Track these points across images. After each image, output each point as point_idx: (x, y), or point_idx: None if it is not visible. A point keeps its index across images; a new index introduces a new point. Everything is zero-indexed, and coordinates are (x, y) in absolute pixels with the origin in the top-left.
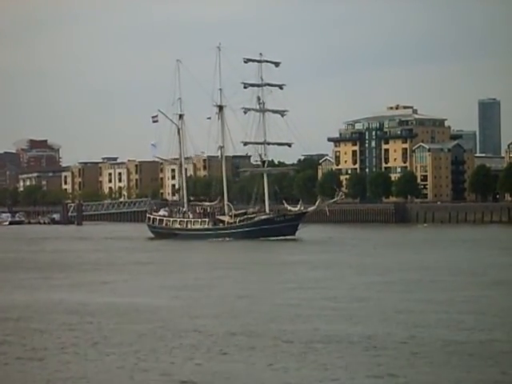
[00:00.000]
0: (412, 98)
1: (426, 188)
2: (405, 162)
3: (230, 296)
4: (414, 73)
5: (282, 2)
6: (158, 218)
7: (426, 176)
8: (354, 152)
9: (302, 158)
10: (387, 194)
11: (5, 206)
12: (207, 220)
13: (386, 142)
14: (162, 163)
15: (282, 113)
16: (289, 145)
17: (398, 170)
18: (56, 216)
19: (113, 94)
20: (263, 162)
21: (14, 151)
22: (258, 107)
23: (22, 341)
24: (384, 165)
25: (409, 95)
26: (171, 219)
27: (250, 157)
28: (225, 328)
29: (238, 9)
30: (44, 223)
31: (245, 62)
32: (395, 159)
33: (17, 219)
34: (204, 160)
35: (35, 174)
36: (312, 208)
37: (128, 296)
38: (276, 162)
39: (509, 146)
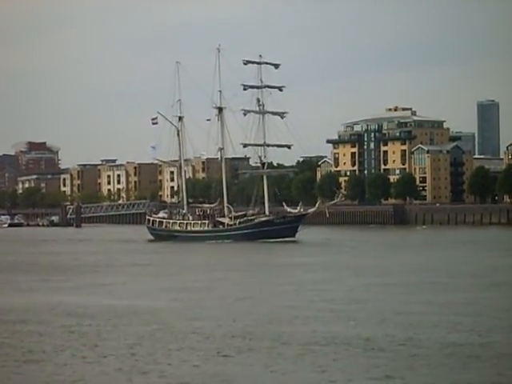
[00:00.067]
0: (411, 99)
1: (425, 190)
2: (404, 164)
3: (228, 298)
4: (413, 75)
5: (281, 5)
6: (157, 220)
7: (425, 178)
8: (352, 154)
9: (301, 159)
10: (386, 195)
11: (4, 208)
12: (207, 222)
13: (385, 144)
14: (160, 165)
15: (281, 115)
16: (288, 147)
17: (397, 171)
18: (55, 218)
19: (112, 95)
20: (263, 164)
21: (12, 153)
22: (257, 109)
23: (20, 343)
24: (383, 166)
25: (407, 97)
26: (171, 221)
27: (248, 159)
28: (223, 330)
29: (238, 11)
30: (43, 225)
31: (244, 64)
32: (394, 161)
33: (16, 221)
34: (203, 162)
35: (34, 177)
36: (312, 210)
37: (126, 298)
38: (275, 164)
39: (507, 147)
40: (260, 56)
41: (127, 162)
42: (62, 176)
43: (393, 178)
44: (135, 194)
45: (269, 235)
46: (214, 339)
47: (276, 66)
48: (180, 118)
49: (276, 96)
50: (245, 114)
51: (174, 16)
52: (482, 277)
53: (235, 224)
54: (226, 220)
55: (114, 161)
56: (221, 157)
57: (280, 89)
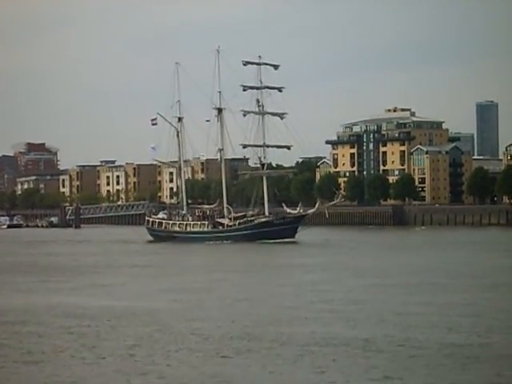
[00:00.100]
0: (410, 100)
1: (424, 190)
2: (403, 165)
3: (228, 299)
4: (412, 75)
5: (281, 5)
6: (157, 220)
7: (424, 178)
8: (351, 155)
9: (300, 160)
10: (385, 196)
11: (3, 209)
12: (206, 223)
13: (384, 145)
14: (159, 166)
15: (281, 115)
16: (288, 147)
17: (396, 172)
18: (54, 219)
19: (111, 96)
20: (262, 165)
21: (11, 154)
22: (257, 110)
23: (19, 344)
24: (382, 167)
25: (407, 98)
26: (170, 222)
27: (247, 159)
28: (222, 331)
29: (237, 11)
30: (42, 226)
31: (244, 65)
32: (393, 162)
33: (15, 223)
34: (202, 163)
35: (33, 178)
36: (312, 210)
37: (126, 299)
38: (274, 165)
39: (506, 148)
40: (259, 57)
41: (126, 163)
42: (61, 177)
43: (392, 179)
44: (134, 194)
45: (268, 236)
46: (213, 340)
47: (275, 66)
48: (179, 119)
49: (275, 97)
50: (244, 115)
51: (173, 16)
52: (482, 278)
53: (235, 225)
54: (225, 221)
55: (113, 162)
56: (220, 158)
57: (279, 89)
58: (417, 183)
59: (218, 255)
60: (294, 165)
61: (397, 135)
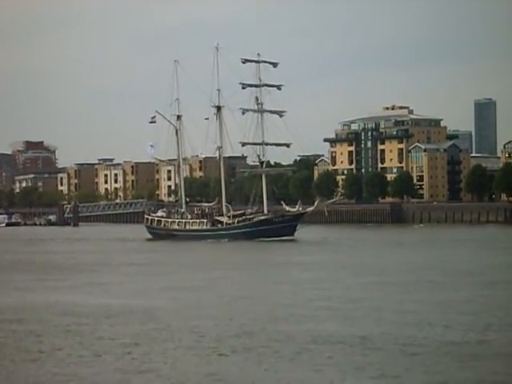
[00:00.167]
0: (408, 98)
1: (422, 188)
2: (401, 163)
3: (226, 297)
4: (410, 73)
5: (280, 3)
6: (156, 218)
7: (422, 176)
8: (350, 152)
9: (298, 158)
10: (383, 194)
11: (1, 207)
12: (205, 221)
13: (382, 143)
14: (157, 164)
15: (280, 113)
16: (287, 145)
17: (394, 170)
18: (52, 217)
19: (110, 94)
20: (261, 163)
21: (9, 153)
22: (256, 108)
23: (17, 342)
24: (380, 165)
25: (405, 96)
26: (169, 220)
27: (246, 157)
28: (220, 329)
29: (236, 9)
30: (40, 225)
31: (243, 63)
32: (391, 159)
33: (13, 221)
34: (200, 161)
35: (31, 176)
36: (311, 208)
37: (123, 297)
38: (272, 163)
39: (505, 146)
40: (258, 55)
41: (124, 161)
42: (60, 175)
43: (390, 177)
44: (132, 193)
45: (267, 234)
46: (210, 338)
47: (274, 64)
48: (178, 117)
49: (274, 95)
50: (243, 113)
51: (173, 16)
52: (480, 275)
53: (234, 223)
54: (224, 219)
55: (111, 160)
56: (219, 155)
57: (278, 87)
58: (415, 181)
59: (217, 253)
60: (291, 163)
61: (395, 133)
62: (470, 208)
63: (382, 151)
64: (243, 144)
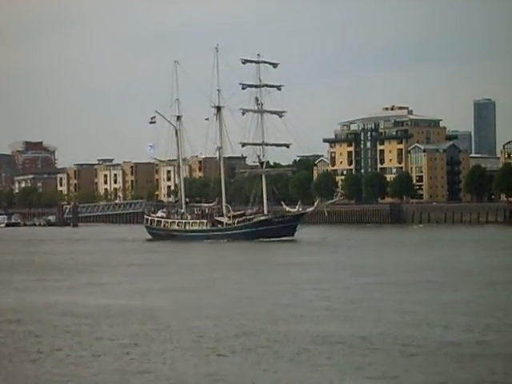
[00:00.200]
0: (408, 98)
1: (422, 188)
2: (400, 163)
3: (225, 297)
4: (410, 74)
5: (280, 4)
6: (155, 219)
7: (422, 176)
8: (349, 153)
9: (298, 158)
10: (383, 194)
11: (0, 208)
12: (205, 221)
13: (382, 143)
14: (157, 165)
15: (280, 114)
16: (287, 146)
17: (394, 170)
18: (51, 218)
19: (110, 94)
20: (261, 164)
21: (9, 153)
22: (256, 108)
23: (16, 343)
24: (379, 165)
25: (404, 96)
26: (169, 220)
27: (245, 158)
28: (219, 329)
29: (236, 10)
30: (40, 225)
31: (243, 63)
32: (390, 160)
33: (13, 221)
34: (200, 161)
35: (31, 176)
36: (311, 209)
37: (122, 298)
38: (271, 163)
39: (504, 146)
40: (258, 55)
41: (124, 162)
42: (59, 175)
43: (389, 177)
44: (132, 193)
45: (267, 234)
46: (209, 338)
47: (274, 65)
48: (178, 118)
49: (274, 95)
50: (243, 113)
51: (173, 16)
52: (479, 275)
53: (234, 223)
54: (224, 219)
55: (111, 160)
56: (219, 156)
57: (278, 88)
58: (414, 181)
59: (217, 254)
60: (291, 163)
61: (394, 133)
62: (469, 208)
63: (382, 152)
64: (243, 144)
